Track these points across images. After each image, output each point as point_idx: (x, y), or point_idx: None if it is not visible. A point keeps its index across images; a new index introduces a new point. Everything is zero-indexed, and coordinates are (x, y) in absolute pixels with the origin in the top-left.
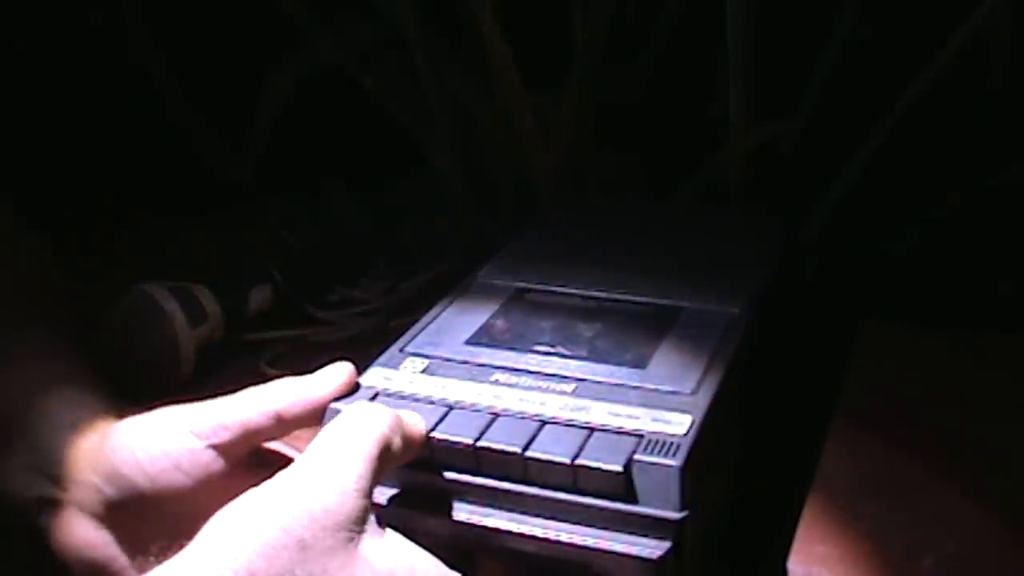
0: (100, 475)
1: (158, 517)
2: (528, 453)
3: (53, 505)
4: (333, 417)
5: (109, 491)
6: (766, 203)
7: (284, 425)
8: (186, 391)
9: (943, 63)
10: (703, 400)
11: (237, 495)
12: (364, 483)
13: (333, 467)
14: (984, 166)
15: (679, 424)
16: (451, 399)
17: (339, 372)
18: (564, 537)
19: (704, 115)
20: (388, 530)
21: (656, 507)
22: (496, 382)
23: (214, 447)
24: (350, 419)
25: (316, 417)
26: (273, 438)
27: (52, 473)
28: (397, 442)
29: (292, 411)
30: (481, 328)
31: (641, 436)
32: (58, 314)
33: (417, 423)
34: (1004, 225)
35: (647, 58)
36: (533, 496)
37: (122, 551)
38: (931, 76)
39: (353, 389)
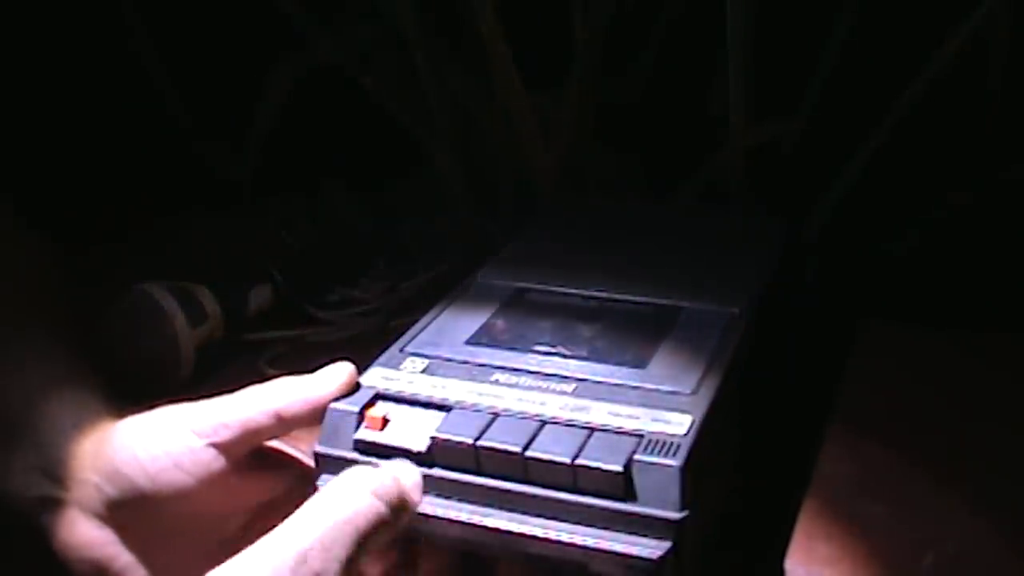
0: (101, 475)
1: (159, 516)
2: (528, 453)
3: (54, 505)
4: (333, 417)
5: (110, 490)
6: (766, 203)
7: (284, 424)
8: (186, 391)
9: (942, 63)
10: (703, 400)
11: (237, 494)
12: (341, 565)
13: (318, 546)
14: (984, 166)
15: (679, 424)
16: (451, 399)
17: (339, 372)
18: (564, 537)
19: (704, 115)
20: None
21: (656, 507)
22: (496, 382)
23: (215, 446)
24: (342, 492)
25: (316, 417)
26: (274, 437)
27: (53, 473)
28: (387, 514)
29: (292, 410)
30: (481, 328)
31: (641, 436)
32: (58, 314)
33: (412, 479)
34: (1004, 225)
35: (647, 58)
36: (533, 496)
37: (125, 550)
38: (931, 76)
39: (353, 389)
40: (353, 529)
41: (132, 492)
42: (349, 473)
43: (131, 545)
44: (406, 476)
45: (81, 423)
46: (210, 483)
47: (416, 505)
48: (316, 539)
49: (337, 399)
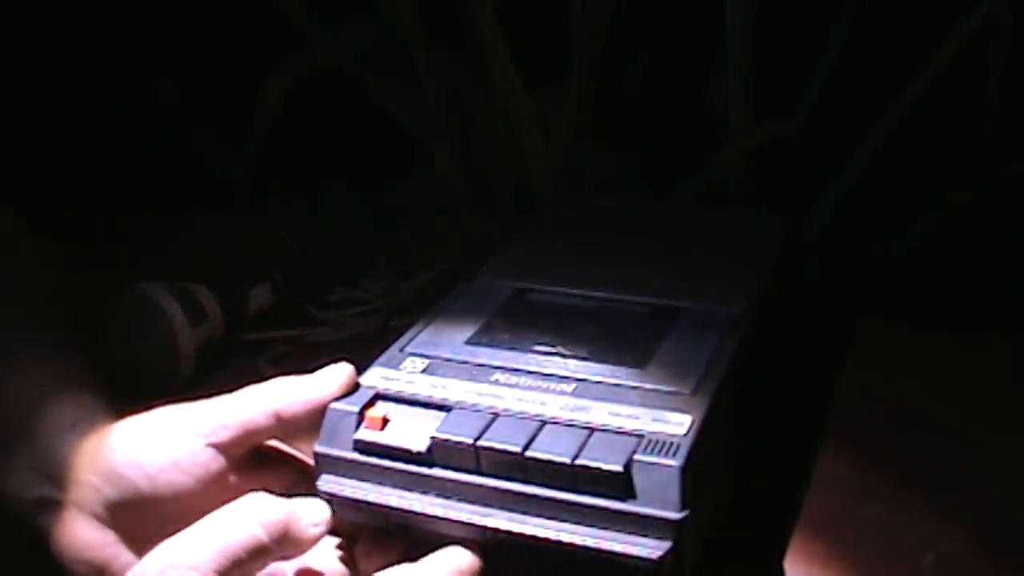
0: (100, 475)
1: (158, 516)
2: (528, 453)
3: (53, 506)
4: (333, 417)
5: (109, 491)
6: (766, 203)
7: (283, 424)
8: (186, 391)
9: (942, 63)
10: (703, 400)
11: (237, 493)
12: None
13: (184, 554)
14: (984, 166)
15: (679, 424)
16: (451, 399)
17: (339, 372)
18: (564, 537)
19: (704, 115)
20: None
21: (656, 507)
22: (496, 382)
23: (214, 446)
24: (230, 511)
25: (316, 417)
26: (273, 437)
27: (52, 474)
28: (265, 541)
29: (291, 410)
30: (481, 328)
31: (641, 436)
32: (58, 315)
33: (314, 521)
34: (1004, 225)
35: (646, 58)
36: (533, 496)
37: (124, 550)
38: (930, 76)
39: (353, 389)
40: (226, 551)
41: (131, 493)
42: (246, 498)
43: (130, 545)
44: (310, 514)
45: (80, 424)
46: (209, 483)
47: (308, 542)
48: (189, 554)
49: (337, 399)
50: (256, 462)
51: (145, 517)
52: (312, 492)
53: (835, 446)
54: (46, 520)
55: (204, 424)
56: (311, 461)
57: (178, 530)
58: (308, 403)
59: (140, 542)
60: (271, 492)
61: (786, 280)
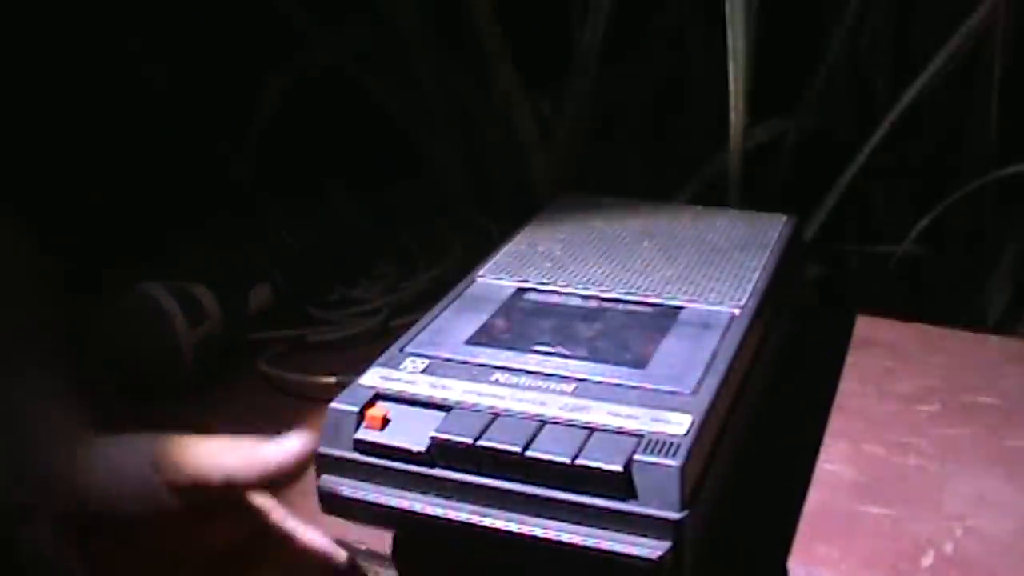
0: (72, 492)
1: (117, 536)
2: (528, 453)
3: (29, 513)
4: (333, 417)
5: (76, 507)
6: (766, 203)
7: (232, 490)
8: (186, 391)
9: (943, 63)
10: (703, 400)
11: (196, 535)
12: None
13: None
14: (984, 166)
15: (679, 424)
16: (451, 399)
17: (297, 443)
18: (564, 537)
19: (701, 115)
20: None
21: (656, 507)
22: (496, 382)
23: (169, 484)
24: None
25: (267, 484)
26: (223, 497)
27: (30, 483)
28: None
29: (242, 477)
30: (481, 328)
31: (641, 436)
32: (50, 321)
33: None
34: (1004, 224)
35: (647, 58)
36: (533, 496)
37: (88, 567)
38: (931, 76)
39: (309, 462)
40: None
41: (94, 511)
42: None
43: (89, 559)
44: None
45: (64, 435)
46: (164, 518)
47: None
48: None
49: (289, 473)
50: (214, 505)
51: (105, 534)
52: (268, 543)
53: (836, 445)
54: (18, 528)
55: (164, 462)
56: (273, 512)
57: (137, 551)
58: (261, 476)
59: (98, 557)
60: (225, 539)
61: (786, 279)
